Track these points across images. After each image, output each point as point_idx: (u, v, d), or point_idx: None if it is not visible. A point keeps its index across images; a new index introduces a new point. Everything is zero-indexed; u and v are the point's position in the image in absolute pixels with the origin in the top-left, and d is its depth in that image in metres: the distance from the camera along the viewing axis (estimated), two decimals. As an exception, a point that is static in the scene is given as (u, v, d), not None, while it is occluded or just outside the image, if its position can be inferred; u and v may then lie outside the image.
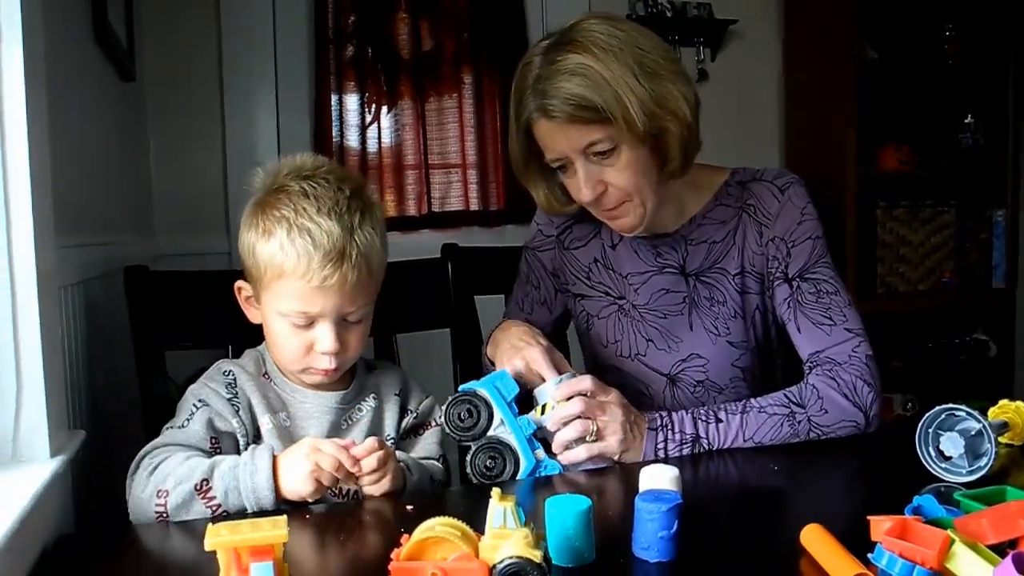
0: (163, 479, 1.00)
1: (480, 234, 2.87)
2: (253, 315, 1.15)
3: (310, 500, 1.00)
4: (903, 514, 0.85)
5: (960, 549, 0.72)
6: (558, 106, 1.14)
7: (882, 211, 3.00)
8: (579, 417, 1.13)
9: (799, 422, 1.19)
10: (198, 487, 0.99)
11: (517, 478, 1.11)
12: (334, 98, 2.75)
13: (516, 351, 1.22)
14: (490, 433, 1.12)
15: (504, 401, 1.13)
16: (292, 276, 1.04)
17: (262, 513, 0.97)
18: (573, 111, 1.13)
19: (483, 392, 1.13)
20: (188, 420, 1.07)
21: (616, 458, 1.15)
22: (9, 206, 0.92)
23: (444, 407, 1.14)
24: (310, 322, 1.08)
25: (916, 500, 0.88)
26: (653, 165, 1.21)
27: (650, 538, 0.82)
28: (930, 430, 1.05)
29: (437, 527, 0.75)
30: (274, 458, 1.00)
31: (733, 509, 0.99)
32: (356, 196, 1.10)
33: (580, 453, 1.13)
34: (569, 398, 1.14)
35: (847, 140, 2.85)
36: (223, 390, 1.10)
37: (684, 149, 1.20)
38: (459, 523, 0.76)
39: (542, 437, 1.14)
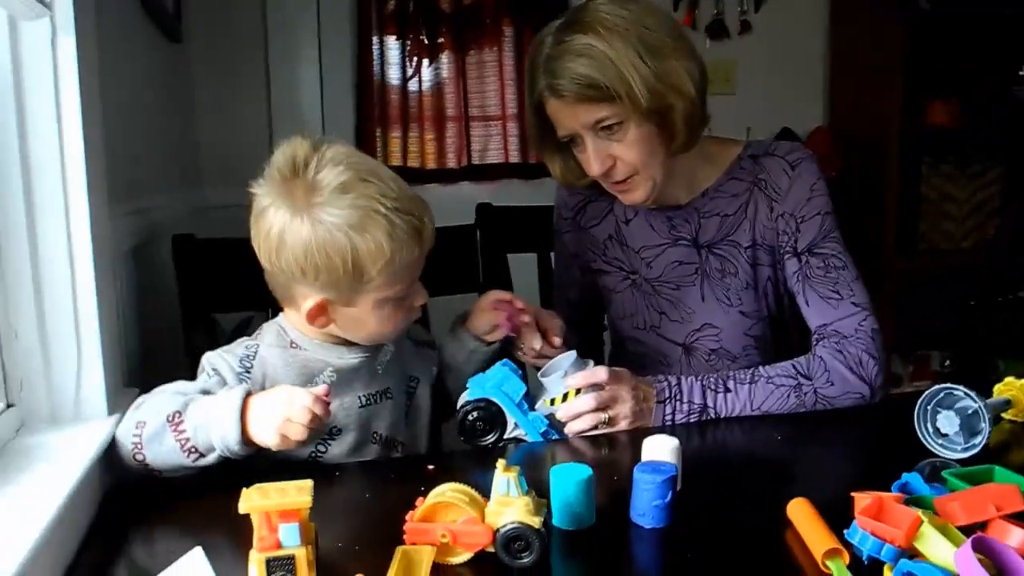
0: (145, 411, 1.01)
1: (519, 187, 2.92)
2: (322, 322, 1.09)
3: (274, 450, 0.98)
4: (890, 490, 0.90)
5: (928, 530, 0.77)
6: (566, 85, 1.19)
7: (927, 167, 2.96)
8: (591, 411, 1.18)
9: (805, 393, 1.24)
10: (170, 418, 0.98)
11: (505, 438, 1.17)
12: (375, 51, 2.81)
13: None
14: (506, 437, 1.17)
15: (513, 403, 1.17)
16: (402, 260, 1.04)
17: (290, 475, 0.88)
18: (580, 90, 1.18)
19: (493, 399, 1.17)
20: (188, 383, 1.07)
21: None
22: (66, 180, 1.00)
23: (457, 417, 1.18)
24: (410, 290, 1.10)
25: (904, 477, 0.93)
26: (660, 140, 1.25)
27: (645, 506, 0.89)
28: (929, 407, 1.09)
29: (448, 492, 0.83)
30: (248, 399, 0.98)
31: (730, 478, 1.05)
32: (368, 158, 1.09)
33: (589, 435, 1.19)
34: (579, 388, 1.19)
35: (893, 93, 2.81)
36: (236, 363, 1.09)
37: (689, 124, 1.24)
38: (469, 489, 0.84)
39: (554, 421, 1.19)
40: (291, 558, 0.72)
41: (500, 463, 0.83)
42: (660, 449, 0.97)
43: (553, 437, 1.19)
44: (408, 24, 2.83)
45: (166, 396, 1.03)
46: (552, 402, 1.20)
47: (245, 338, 1.15)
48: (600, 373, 1.19)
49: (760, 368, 1.27)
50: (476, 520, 0.81)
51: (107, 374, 1.05)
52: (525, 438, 1.18)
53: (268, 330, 1.16)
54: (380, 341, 1.16)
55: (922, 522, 0.77)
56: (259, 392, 1.01)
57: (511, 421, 1.17)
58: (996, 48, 2.96)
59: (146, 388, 1.10)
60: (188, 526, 0.93)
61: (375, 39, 2.80)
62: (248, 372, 1.09)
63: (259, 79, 2.68)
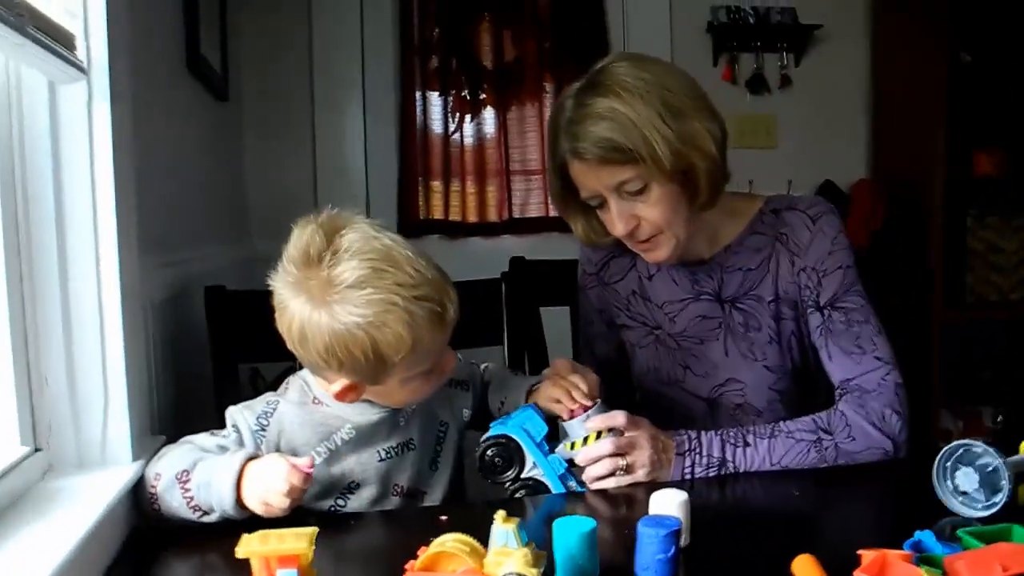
0: (163, 464, 1.06)
1: (558, 240, 2.93)
2: (352, 397, 1.11)
3: (265, 517, 1.00)
4: (901, 548, 0.89)
5: (928, 589, 0.76)
6: (589, 149, 1.20)
7: (973, 218, 2.91)
8: (609, 456, 1.18)
9: (826, 448, 1.22)
10: (179, 475, 1.02)
11: (522, 477, 1.18)
12: (419, 107, 2.89)
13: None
14: (524, 475, 1.19)
15: (534, 443, 1.18)
16: (426, 345, 1.05)
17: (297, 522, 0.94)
18: (603, 153, 1.19)
19: (514, 436, 1.18)
20: (214, 435, 1.11)
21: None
22: (98, 235, 1.05)
23: (477, 452, 1.19)
24: (437, 361, 1.12)
25: (917, 535, 0.91)
26: (683, 199, 1.26)
27: (649, 560, 0.88)
28: (948, 464, 1.07)
29: (449, 543, 0.84)
30: (247, 464, 1.01)
31: (741, 534, 1.04)
32: (390, 238, 1.07)
33: (609, 483, 1.19)
34: (599, 433, 1.20)
35: (937, 144, 2.78)
36: (253, 421, 1.11)
37: (712, 183, 1.25)
38: (470, 539, 0.85)
39: (573, 466, 1.20)
40: (287, 604, 0.74)
41: (500, 514, 0.84)
42: (667, 503, 0.96)
43: (571, 483, 1.19)
44: (451, 80, 2.91)
45: (183, 451, 1.08)
46: (572, 446, 1.20)
47: (271, 393, 1.18)
48: (619, 417, 1.20)
49: (781, 423, 1.26)
50: (475, 571, 0.82)
51: (133, 420, 1.09)
52: (543, 479, 1.18)
53: (293, 385, 1.18)
54: (413, 405, 1.19)
55: (924, 581, 0.76)
56: (261, 457, 1.04)
57: (529, 460, 1.18)
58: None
59: (177, 435, 1.14)
60: (203, 569, 0.95)
61: (418, 95, 2.88)
62: (264, 430, 1.11)
63: (305, 134, 2.78)
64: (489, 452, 1.18)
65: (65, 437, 1.06)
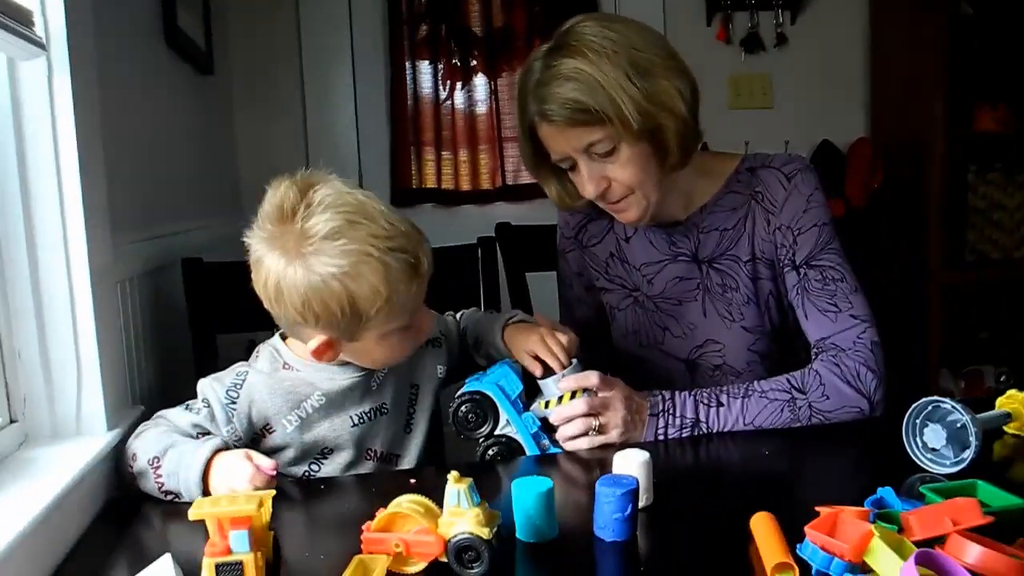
0: (138, 444, 1.08)
1: (552, 206, 2.93)
2: (330, 356, 1.11)
3: None
4: (862, 505, 0.89)
5: (877, 545, 0.75)
6: (556, 111, 1.19)
7: (974, 175, 2.87)
8: (582, 416, 1.19)
9: (799, 407, 1.22)
10: (151, 461, 1.06)
11: (495, 434, 1.19)
12: (409, 76, 2.87)
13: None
14: (497, 432, 1.20)
15: (508, 400, 1.19)
16: (401, 297, 1.05)
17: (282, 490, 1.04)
18: (570, 115, 1.19)
19: (488, 393, 1.19)
20: (188, 409, 1.13)
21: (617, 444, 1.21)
22: (64, 211, 1.06)
23: (451, 407, 1.20)
24: (414, 318, 1.12)
25: (878, 491, 0.91)
26: (653, 160, 1.25)
27: (606, 519, 0.89)
28: (917, 421, 1.07)
29: (404, 503, 0.85)
30: (216, 452, 1.04)
31: (706, 493, 1.04)
32: (363, 194, 1.08)
33: (582, 444, 1.20)
34: (573, 393, 1.21)
35: (936, 100, 2.73)
36: (223, 395, 1.12)
37: (682, 143, 1.24)
38: (426, 500, 0.86)
39: (547, 425, 1.21)
40: (239, 564, 0.76)
41: (452, 474, 0.85)
42: (629, 462, 0.97)
43: (544, 441, 1.20)
44: (440, 48, 2.89)
45: (157, 433, 1.09)
46: (547, 405, 1.21)
47: (241, 363, 1.19)
48: (592, 377, 1.20)
49: (755, 383, 1.26)
50: (429, 530, 0.83)
51: (107, 392, 1.11)
52: (516, 437, 1.19)
53: (263, 353, 1.19)
54: (390, 365, 1.19)
55: (872, 536, 0.76)
56: (224, 453, 1.05)
57: (503, 417, 1.19)
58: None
59: (159, 406, 1.16)
60: (175, 536, 0.98)
61: (408, 64, 2.87)
62: (234, 403, 1.12)
63: (296, 107, 2.78)
64: (463, 408, 1.19)
65: (40, 409, 1.08)
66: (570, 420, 1.19)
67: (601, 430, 1.20)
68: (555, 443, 1.21)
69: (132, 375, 1.26)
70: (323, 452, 1.17)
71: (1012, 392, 1.18)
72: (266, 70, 2.72)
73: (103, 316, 1.11)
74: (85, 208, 1.07)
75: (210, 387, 1.13)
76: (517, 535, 0.90)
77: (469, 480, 0.85)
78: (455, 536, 0.82)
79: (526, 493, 0.89)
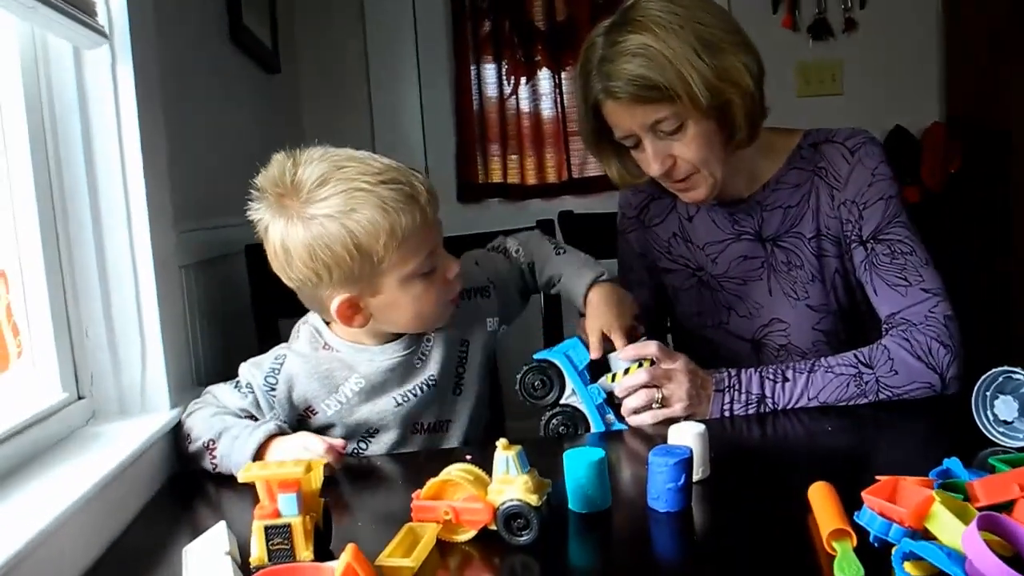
0: (192, 424, 1.12)
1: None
2: (359, 320, 1.10)
3: None
4: (928, 476, 0.85)
5: (939, 510, 0.72)
6: (622, 87, 1.17)
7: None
8: (646, 386, 1.17)
9: (866, 382, 1.18)
10: (206, 444, 1.09)
11: (561, 403, 1.18)
12: (473, 72, 2.90)
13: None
14: (563, 401, 1.19)
15: (575, 371, 1.19)
16: (405, 229, 1.03)
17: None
18: (637, 91, 1.16)
19: (556, 361, 1.19)
20: (237, 389, 1.14)
21: (683, 419, 1.19)
22: (129, 198, 1.11)
23: (519, 375, 1.19)
24: (434, 262, 1.10)
25: (945, 463, 0.87)
26: (720, 137, 1.22)
27: (659, 489, 0.87)
28: (987, 392, 1.02)
29: (454, 472, 0.85)
30: (271, 438, 1.05)
31: (764, 466, 1.02)
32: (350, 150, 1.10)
33: (646, 419, 1.18)
34: (637, 361, 1.19)
35: (1019, 82, 2.62)
36: (262, 381, 1.13)
37: (750, 119, 1.21)
38: (475, 469, 0.86)
39: (612, 400, 1.20)
40: (287, 526, 0.76)
41: (501, 442, 0.84)
42: (683, 434, 0.95)
43: (608, 415, 1.19)
44: (504, 44, 2.90)
45: (208, 415, 1.12)
46: (613, 379, 1.20)
47: (282, 344, 1.19)
48: (651, 347, 1.18)
49: (822, 359, 1.22)
50: (478, 498, 0.83)
51: (170, 371, 1.14)
52: (581, 407, 1.19)
53: (303, 332, 1.20)
54: (429, 325, 1.16)
55: (934, 501, 0.73)
56: (281, 438, 1.06)
57: (569, 386, 1.19)
58: None
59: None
60: (233, 508, 1.00)
61: (472, 60, 2.89)
62: (273, 389, 1.13)
63: (362, 105, 2.84)
64: (530, 375, 1.19)
65: (106, 386, 1.12)
66: (634, 391, 1.18)
67: (664, 403, 1.17)
68: (620, 418, 1.20)
69: (195, 356, 1.30)
70: (369, 432, 1.18)
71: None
72: (332, 69, 2.78)
73: (166, 298, 1.14)
74: (148, 193, 1.10)
75: (250, 373, 1.15)
76: (569, 506, 0.89)
77: (518, 447, 0.84)
78: (504, 503, 0.81)
79: (578, 462, 0.88)
